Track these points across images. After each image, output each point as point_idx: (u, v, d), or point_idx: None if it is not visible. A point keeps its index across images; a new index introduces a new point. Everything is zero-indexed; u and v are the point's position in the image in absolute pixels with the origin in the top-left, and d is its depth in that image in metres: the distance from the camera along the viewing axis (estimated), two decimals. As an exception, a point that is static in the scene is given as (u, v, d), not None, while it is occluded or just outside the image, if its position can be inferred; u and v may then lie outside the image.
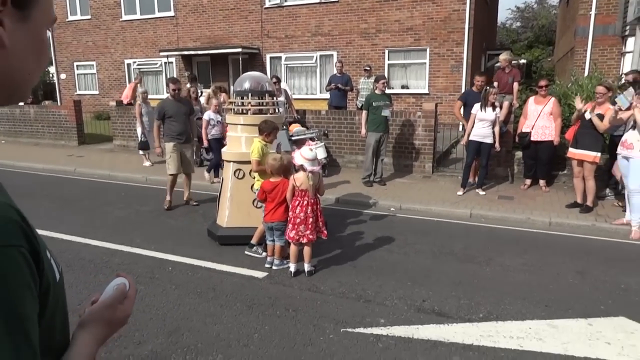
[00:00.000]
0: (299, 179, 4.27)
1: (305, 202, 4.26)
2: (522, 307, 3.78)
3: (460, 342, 3.29)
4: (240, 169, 5.17)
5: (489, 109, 6.96)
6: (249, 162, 5.09)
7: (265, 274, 4.44)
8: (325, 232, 4.41)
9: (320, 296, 3.98)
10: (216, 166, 8.31)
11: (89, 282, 4.24)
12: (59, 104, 19.25)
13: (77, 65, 19.58)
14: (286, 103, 9.14)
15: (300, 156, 4.29)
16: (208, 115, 8.23)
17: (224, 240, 5.20)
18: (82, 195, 7.64)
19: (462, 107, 7.79)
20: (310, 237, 4.27)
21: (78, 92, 19.64)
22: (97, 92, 19.31)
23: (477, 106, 7.09)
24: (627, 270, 4.53)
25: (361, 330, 3.43)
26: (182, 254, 4.95)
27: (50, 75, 26.10)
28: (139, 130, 9.81)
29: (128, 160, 10.50)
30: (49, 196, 7.54)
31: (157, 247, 5.17)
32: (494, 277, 4.38)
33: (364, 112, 7.74)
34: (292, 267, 4.39)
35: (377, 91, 7.73)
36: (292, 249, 4.37)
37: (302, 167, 4.30)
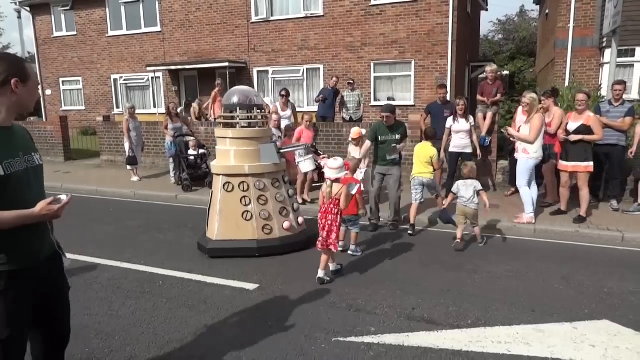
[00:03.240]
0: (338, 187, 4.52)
1: (324, 210, 4.48)
2: (509, 313, 3.86)
3: (449, 348, 3.34)
4: (229, 182, 5.20)
5: (462, 120, 7.14)
6: (238, 175, 5.15)
7: (256, 285, 4.47)
8: (336, 244, 4.51)
9: (311, 306, 4.01)
10: None
11: (79, 299, 4.21)
12: (44, 120, 19.11)
13: (62, 81, 19.53)
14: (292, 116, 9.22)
15: (326, 166, 4.55)
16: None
17: (214, 253, 5.22)
18: (69, 212, 7.49)
19: (430, 118, 7.99)
20: (320, 245, 4.47)
21: (64, 107, 19.56)
22: (83, 108, 19.24)
23: (450, 120, 7.31)
24: (609, 275, 4.65)
25: (352, 339, 3.47)
26: (172, 267, 4.96)
27: (35, 91, 25.90)
28: (126, 145, 9.77)
29: (116, 175, 10.47)
30: (36, 213, 7.47)
31: (147, 261, 5.17)
32: (481, 284, 4.46)
33: (368, 144, 6.29)
34: (320, 274, 4.54)
35: (384, 122, 6.20)
36: (323, 256, 4.55)
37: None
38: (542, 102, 6.84)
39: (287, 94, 8.95)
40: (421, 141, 6.71)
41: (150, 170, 10.87)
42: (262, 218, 5.20)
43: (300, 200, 7.39)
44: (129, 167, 9.88)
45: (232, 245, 5.20)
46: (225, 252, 5.21)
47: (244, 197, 5.18)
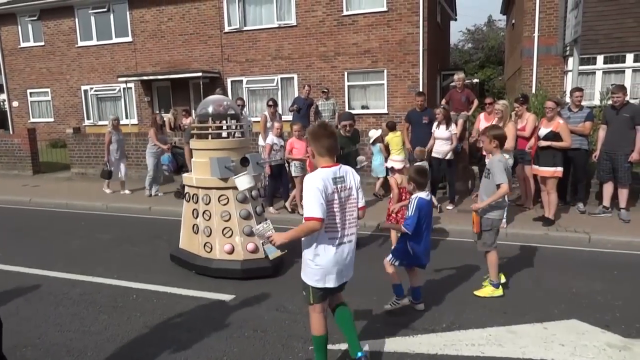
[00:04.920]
0: (400, 177, 5.50)
1: (404, 198, 5.29)
2: (482, 315, 3.94)
3: (425, 352, 3.40)
4: (188, 192, 5.19)
5: (442, 127, 7.29)
6: (190, 186, 5.12)
7: (232, 296, 4.44)
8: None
9: (288, 316, 4.01)
10: (272, 195, 7.83)
11: (49, 315, 4.11)
12: (11, 132, 18.57)
13: (30, 93, 19.04)
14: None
15: (392, 160, 5.54)
16: (271, 139, 7.44)
17: (172, 258, 5.35)
18: (38, 226, 7.39)
19: (410, 126, 8.10)
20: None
21: (32, 119, 19.06)
22: (52, 120, 18.79)
23: (434, 125, 7.45)
24: (577, 276, 4.81)
25: (329, 346, 3.46)
26: (147, 280, 4.88)
27: (2, 103, 25.17)
28: (106, 158, 9.32)
29: (87, 188, 10.24)
30: (3, 228, 7.25)
31: (120, 275, 5.07)
32: (455, 288, 4.55)
33: None
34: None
35: (342, 132, 5.48)
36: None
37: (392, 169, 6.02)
38: (517, 108, 7.05)
39: (275, 104, 8.73)
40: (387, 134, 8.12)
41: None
42: (205, 235, 4.94)
43: (302, 212, 7.31)
44: (106, 181, 9.51)
45: (183, 256, 5.20)
46: (178, 261, 5.25)
47: (194, 209, 5.07)
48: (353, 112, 14.18)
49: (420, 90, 13.26)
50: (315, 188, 2.71)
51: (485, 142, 4.38)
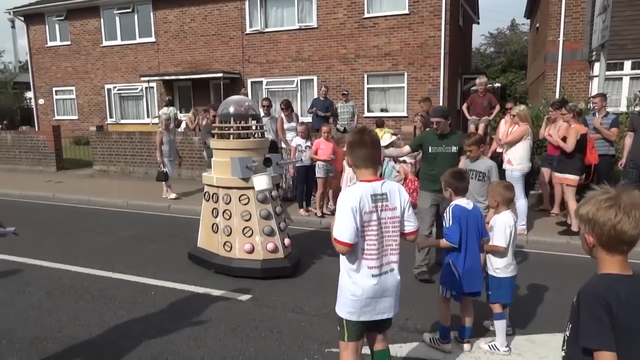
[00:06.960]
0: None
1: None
2: (502, 323, 3.86)
3: (442, 359, 3.35)
4: (207, 192, 5.23)
5: None
6: (210, 186, 5.16)
7: (249, 296, 4.45)
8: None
9: (304, 317, 4.00)
10: (307, 196, 7.67)
11: (70, 309, 4.18)
12: (36, 129, 19.03)
13: (55, 91, 19.47)
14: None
15: None
16: (296, 141, 7.39)
17: (190, 257, 5.41)
18: (61, 221, 7.54)
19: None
20: None
21: (57, 117, 19.48)
22: (76, 117, 19.18)
23: None
24: (601, 285, 4.68)
25: (345, 350, 3.46)
26: (165, 278, 4.93)
27: (28, 101, 25.81)
28: (159, 159, 8.88)
29: (108, 185, 10.42)
30: (27, 223, 7.41)
31: (139, 272, 5.13)
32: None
33: (406, 149, 5.35)
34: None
35: (435, 130, 4.83)
36: None
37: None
38: (550, 113, 6.90)
39: (287, 107, 8.59)
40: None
41: (143, 180, 10.84)
42: (225, 234, 4.96)
43: (319, 213, 7.36)
44: (164, 185, 9.09)
45: (201, 255, 5.25)
46: (196, 259, 5.31)
47: (214, 208, 5.10)
48: (372, 115, 14.23)
49: (441, 94, 13.18)
50: (348, 207, 2.28)
51: (474, 150, 4.62)
